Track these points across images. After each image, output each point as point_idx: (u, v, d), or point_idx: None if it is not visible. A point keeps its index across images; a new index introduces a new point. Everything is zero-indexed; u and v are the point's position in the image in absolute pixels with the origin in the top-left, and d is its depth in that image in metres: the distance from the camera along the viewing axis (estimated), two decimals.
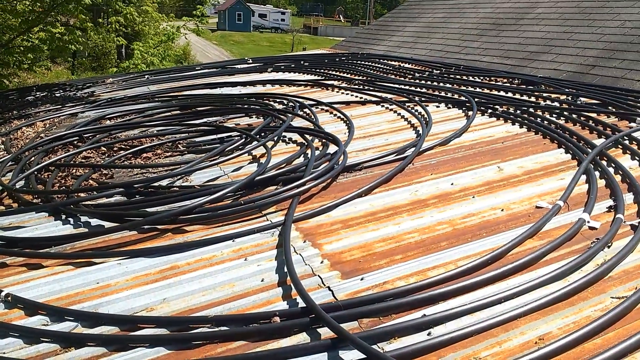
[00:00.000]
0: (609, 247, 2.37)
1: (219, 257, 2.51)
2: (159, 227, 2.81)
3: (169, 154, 4.24)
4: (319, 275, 2.27)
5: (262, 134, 4.45)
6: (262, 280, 2.27)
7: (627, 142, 3.78)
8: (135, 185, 3.29)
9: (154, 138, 4.62)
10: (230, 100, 6.10)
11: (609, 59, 6.22)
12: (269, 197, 3.04)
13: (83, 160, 4.18)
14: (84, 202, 3.11)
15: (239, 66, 9.07)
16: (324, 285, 2.21)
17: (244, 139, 4.22)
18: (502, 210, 2.88)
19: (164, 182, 3.45)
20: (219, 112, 5.48)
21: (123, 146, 4.42)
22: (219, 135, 4.56)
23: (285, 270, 2.26)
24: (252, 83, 7.30)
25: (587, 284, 2.08)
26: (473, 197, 3.09)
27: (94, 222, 2.94)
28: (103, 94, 7.26)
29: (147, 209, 2.97)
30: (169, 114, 5.60)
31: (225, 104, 5.82)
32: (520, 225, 2.68)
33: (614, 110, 4.67)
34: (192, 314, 2.06)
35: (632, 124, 4.27)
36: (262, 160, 3.77)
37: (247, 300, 2.14)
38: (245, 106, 5.71)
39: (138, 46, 15.27)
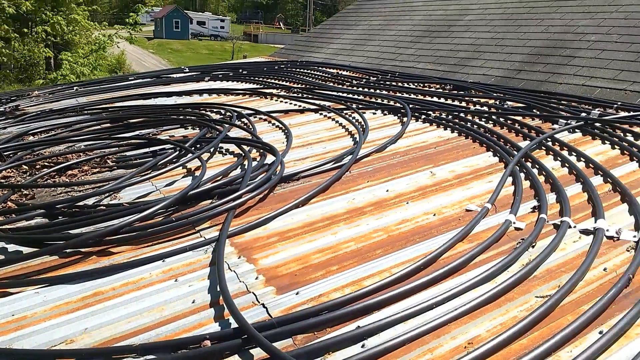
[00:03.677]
0: (533, 246, 2.46)
1: (147, 279, 2.40)
2: (82, 250, 2.66)
3: (97, 170, 4.05)
4: (253, 292, 2.22)
5: (198, 145, 4.34)
6: (193, 302, 2.19)
7: (549, 143, 3.98)
8: (58, 206, 3.10)
9: (81, 154, 4.39)
10: (164, 111, 5.92)
11: (533, 64, 6.55)
12: (202, 212, 2.95)
13: (2, 181, 3.91)
14: (0, 227, 2.90)
15: (174, 75, 8.85)
16: (259, 302, 2.16)
17: (178, 152, 4.10)
18: (435, 215, 2.94)
19: (90, 201, 3.28)
20: (153, 124, 5.30)
21: (47, 163, 4.18)
22: (152, 149, 4.40)
23: (218, 289, 2.19)
24: (189, 93, 7.13)
25: (514, 285, 2.15)
26: (407, 203, 3.14)
27: (11, 247, 2.74)
28: (28, 108, 6.86)
29: (70, 231, 2.80)
30: (99, 127, 5.36)
31: (159, 115, 5.64)
32: (451, 229, 2.75)
33: (538, 113, 4.91)
34: (116, 343, 1.95)
35: (555, 126, 4.50)
36: (197, 173, 3.67)
37: (177, 324, 2.05)
38: (181, 117, 5.56)
39: (67, 56, 14.55)
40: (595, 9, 7.02)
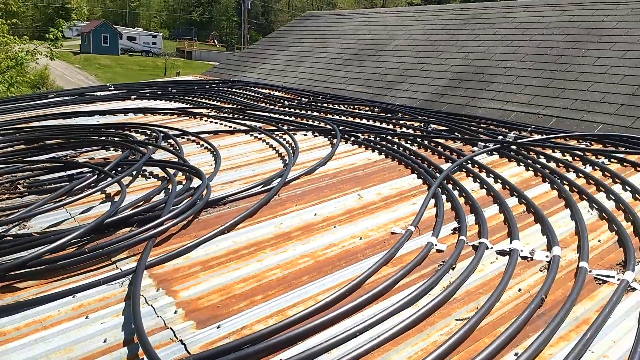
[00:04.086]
0: (453, 268, 2.53)
1: (55, 317, 2.23)
2: None
3: (6, 196, 3.74)
4: (171, 328, 2.11)
5: (119, 169, 4.14)
6: (104, 341, 2.04)
7: (469, 165, 4.16)
8: None
9: None
10: (85, 131, 5.62)
11: (455, 88, 6.87)
12: (120, 241, 2.79)
13: None
14: None
15: (99, 93, 8.47)
16: (177, 338, 2.05)
17: (96, 176, 3.89)
18: (361, 238, 2.96)
19: None
20: (71, 145, 5.02)
21: None
22: (68, 172, 4.15)
23: (133, 326, 2.07)
24: (113, 112, 6.83)
25: (435, 308, 2.19)
26: (335, 226, 3.14)
27: None
28: None
29: None
30: (11, 149, 5.00)
31: (79, 136, 5.35)
32: (377, 253, 2.77)
33: (459, 136, 5.13)
34: None
35: (475, 148, 4.72)
36: (117, 198, 3.49)
37: None
38: (102, 138, 5.31)
39: None
40: (511, 38, 7.52)
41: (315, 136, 5.51)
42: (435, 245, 2.77)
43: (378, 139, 5.15)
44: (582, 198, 3.43)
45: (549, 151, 4.52)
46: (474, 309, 2.19)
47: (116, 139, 5.25)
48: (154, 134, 5.43)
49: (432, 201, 3.41)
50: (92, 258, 2.64)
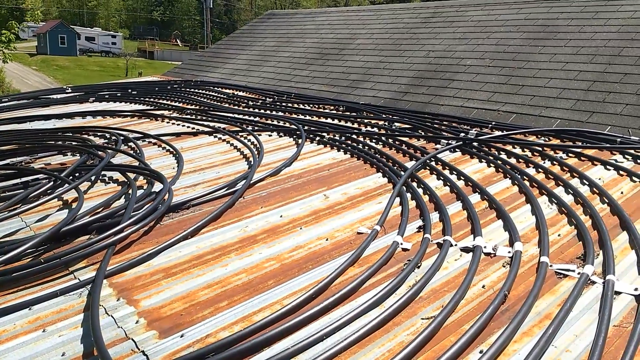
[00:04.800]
0: (418, 267, 2.54)
1: (10, 331, 2.12)
2: None
3: None
4: (132, 339, 2.04)
5: (76, 174, 4.00)
6: (63, 355, 1.96)
7: (433, 163, 4.20)
8: None
9: None
10: (40, 136, 5.42)
11: (417, 86, 6.95)
12: (78, 250, 2.69)
13: None
14: None
15: (55, 96, 8.19)
16: (139, 349, 1.99)
17: (52, 182, 3.74)
18: (327, 239, 2.94)
19: None
20: (26, 150, 4.83)
21: None
22: (23, 179, 3.98)
23: (92, 338, 1.99)
24: (70, 115, 6.63)
25: (401, 308, 2.19)
26: (301, 228, 3.12)
27: None
28: None
29: None
30: None
31: (34, 142, 5.15)
32: (343, 253, 2.76)
33: (422, 134, 5.19)
34: None
35: (438, 146, 4.78)
36: (75, 205, 3.37)
37: None
38: (59, 143, 5.12)
39: None
40: (470, 36, 7.65)
41: (280, 137, 5.47)
42: (401, 244, 2.78)
43: (343, 138, 5.16)
44: (542, 193, 3.51)
45: (509, 147, 4.61)
46: (439, 307, 2.21)
47: (73, 143, 5.08)
48: (113, 138, 5.28)
49: (398, 200, 3.43)
50: (49, 268, 2.53)
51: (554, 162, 4.15)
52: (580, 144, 4.61)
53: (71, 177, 3.89)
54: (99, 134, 5.56)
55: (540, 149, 4.50)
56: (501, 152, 4.48)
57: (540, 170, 3.98)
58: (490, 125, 5.37)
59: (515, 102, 5.86)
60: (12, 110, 7.22)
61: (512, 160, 4.25)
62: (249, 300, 2.33)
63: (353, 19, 10.36)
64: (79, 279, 2.51)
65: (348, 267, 2.57)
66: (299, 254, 2.79)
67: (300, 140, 5.05)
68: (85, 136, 5.42)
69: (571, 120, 5.26)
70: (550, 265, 2.49)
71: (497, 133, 5.05)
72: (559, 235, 2.88)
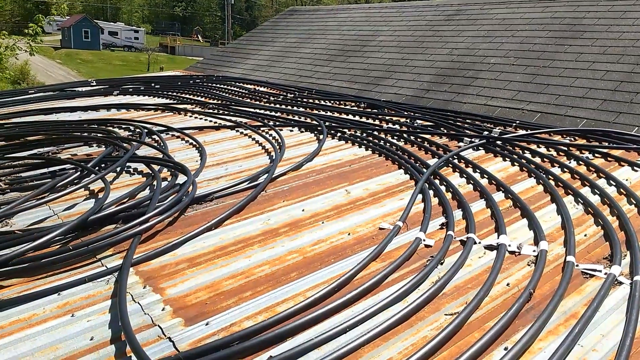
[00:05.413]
0: (441, 264, 2.54)
1: (40, 315, 2.18)
2: None
3: None
4: (159, 325, 2.08)
5: (102, 165, 4.08)
6: (91, 339, 2.01)
7: (456, 161, 4.17)
8: None
9: None
10: (67, 127, 5.52)
11: (440, 84, 6.90)
12: (104, 238, 2.74)
13: None
14: None
15: (80, 89, 8.33)
16: (165, 335, 2.03)
17: (79, 172, 3.82)
18: (349, 234, 2.95)
19: None
20: (53, 141, 4.93)
21: None
22: (50, 169, 4.07)
23: (120, 324, 2.03)
24: (95, 108, 6.74)
25: (424, 303, 2.19)
26: (323, 222, 3.13)
27: None
28: None
29: None
30: None
31: (60, 132, 5.25)
32: (365, 248, 2.77)
33: (445, 131, 5.15)
34: None
35: (460, 144, 4.74)
36: (101, 195, 3.43)
37: None
38: (85, 134, 5.21)
39: None
40: (494, 34, 7.56)
41: (302, 132, 5.49)
42: (424, 240, 2.77)
43: (365, 134, 5.15)
44: (567, 193, 3.46)
45: (533, 146, 4.56)
46: (463, 304, 2.20)
47: (99, 135, 5.17)
48: (137, 130, 5.36)
49: (420, 196, 3.42)
50: (77, 255, 2.59)
51: (580, 162, 4.09)
52: (606, 144, 4.53)
53: (97, 168, 3.97)
54: (123, 126, 5.64)
55: (565, 148, 4.44)
56: (525, 151, 4.43)
57: (565, 170, 3.93)
58: (514, 124, 5.31)
59: (540, 101, 5.78)
60: (38, 101, 7.37)
61: (537, 160, 4.20)
62: (272, 292, 2.35)
63: (375, 15, 10.32)
64: (106, 266, 2.56)
65: (370, 261, 2.57)
66: (321, 248, 2.80)
67: (321, 136, 5.06)
68: (110, 128, 5.51)
69: (597, 121, 5.17)
70: (577, 265, 2.46)
71: (522, 132, 4.99)
72: (585, 235, 2.84)
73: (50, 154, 4.60)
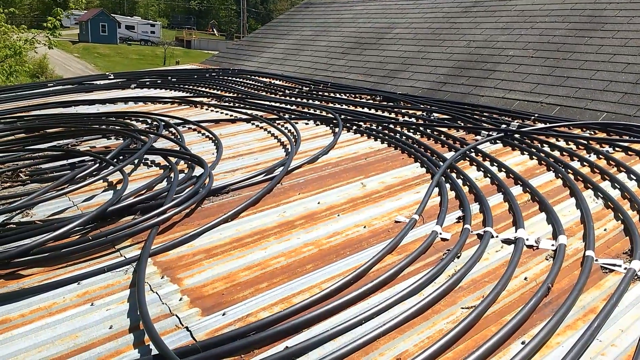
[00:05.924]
0: (458, 257, 2.52)
1: (60, 304, 2.22)
2: None
3: (8, 184, 3.73)
4: (176, 315, 2.10)
5: (120, 157, 4.12)
6: (110, 328, 2.04)
7: (473, 154, 4.13)
8: None
9: None
10: (85, 120, 5.59)
11: (457, 77, 6.83)
12: (123, 229, 2.78)
13: None
14: None
15: (98, 82, 8.42)
16: (182, 325, 2.05)
17: (98, 164, 3.87)
18: (365, 227, 2.94)
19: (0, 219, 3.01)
20: (72, 134, 4.99)
21: None
22: (70, 161, 4.13)
23: (138, 313, 2.06)
24: (113, 101, 6.80)
25: (440, 296, 2.18)
26: (338, 215, 3.13)
27: None
28: None
29: None
30: (12, 137, 4.97)
31: (79, 125, 5.32)
32: (381, 241, 2.76)
33: (462, 124, 5.10)
34: None
35: (478, 137, 4.70)
36: (119, 187, 3.47)
37: (92, 352, 1.90)
38: (103, 127, 5.27)
39: None
40: (512, 26, 7.45)
41: (317, 125, 5.48)
42: (440, 233, 2.76)
43: (380, 127, 5.12)
44: (587, 187, 3.41)
45: (552, 140, 4.49)
46: (479, 298, 2.18)
47: (117, 127, 5.22)
48: (154, 123, 5.40)
49: (436, 190, 3.40)
50: (96, 245, 2.63)
51: (600, 156, 4.02)
52: (627, 138, 4.45)
53: (115, 160, 4.02)
54: (140, 119, 5.70)
55: (585, 142, 4.37)
56: (544, 145, 4.37)
57: (585, 163, 3.87)
58: (532, 118, 5.24)
59: (560, 94, 5.69)
60: (57, 94, 7.47)
61: (556, 153, 4.14)
62: (288, 283, 2.36)
63: (391, 8, 10.24)
64: (124, 256, 2.60)
65: (386, 254, 2.57)
66: (337, 240, 2.80)
67: (337, 129, 5.05)
68: (128, 121, 5.56)
69: (618, 114, 5.08)
70: (596, 260, 2.43)
71: (540, 125, 4.92)
72: (604, 229, 2.80)
73: (69, 146, 4.66)
